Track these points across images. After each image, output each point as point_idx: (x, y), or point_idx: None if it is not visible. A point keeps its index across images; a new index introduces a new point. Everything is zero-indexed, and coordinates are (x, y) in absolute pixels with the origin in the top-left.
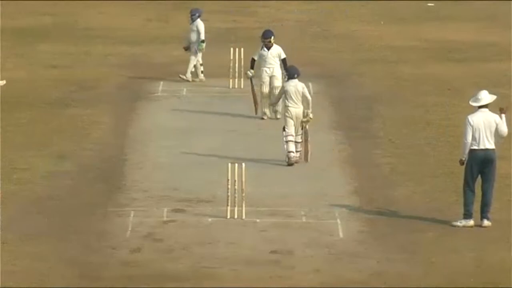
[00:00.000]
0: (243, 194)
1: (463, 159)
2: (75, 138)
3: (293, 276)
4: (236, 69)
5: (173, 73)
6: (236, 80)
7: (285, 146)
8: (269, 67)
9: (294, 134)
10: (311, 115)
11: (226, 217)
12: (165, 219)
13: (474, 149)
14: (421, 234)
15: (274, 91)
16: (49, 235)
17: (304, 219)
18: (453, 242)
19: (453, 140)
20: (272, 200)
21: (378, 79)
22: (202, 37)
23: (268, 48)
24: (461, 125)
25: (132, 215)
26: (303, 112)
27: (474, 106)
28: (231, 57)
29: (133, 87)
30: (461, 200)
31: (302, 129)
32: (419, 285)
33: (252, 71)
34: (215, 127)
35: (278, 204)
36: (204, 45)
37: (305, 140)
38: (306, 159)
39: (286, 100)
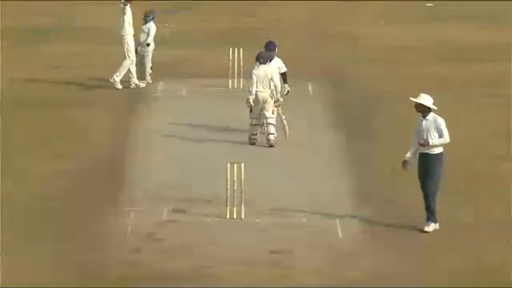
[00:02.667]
0: (243, 194)
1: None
2: (75, 138)
3: (293, 276)
4: (236, 70)
5: (173, 73)
6: (236, 80)
7: (250, 128)
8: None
9: (258, 117)
10: (281, 99)
11: (226, 217)
12: (165, 219)
13: (442, 153)
14: (421, 234)
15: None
16: (49, 235)
17: (304, 219)
18: (453, 242)
19: (453, 140)
20: (272, 200)
21: (378, 79)
22: (149, 40)
23: (270, 60)
24: (461, 126)
25: (132, 215)
26: (273, 97)
27: (433, 109)
28: (230, 58)
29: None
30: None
31: (273, 113)
32: (419, 285)
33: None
34: (215, 127)
35: (278, 204)
36: (148, 48)
37: (281, 121)
38: (285, 136)
39: (255, 85)
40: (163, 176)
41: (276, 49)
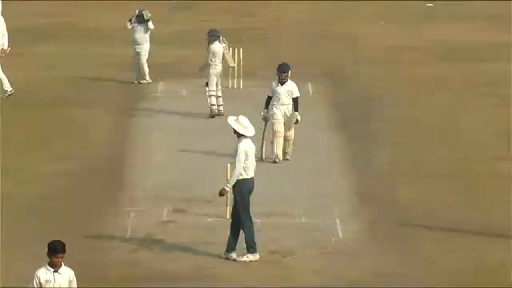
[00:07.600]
0: None
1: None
2: (75, 138)
3: (293, 276)
4: (235, 70)
5: (173, 73)
6: (235, 80)
7: (208, 99)
8: (283, 105)
9: (215, 89)
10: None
11: (226, 217)
12: (165, 219)
13: (246, 179)
14: (421, 234)
15: (288, 133)
16: (49, 235)
17: (303, 219)
18: (453, 242)
19: (453, 140)
20: (272, 200)
21: (378, 79)
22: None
23: (282, 84)
24: (462, 125)
25: (132, 215)
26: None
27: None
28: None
29: (133, 87)
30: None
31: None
32: (419, 285)
33: (266, 111)
34: (215, 127)
35: (278, 204)
36: (147, 48)
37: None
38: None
39: (211, 60)
40: (163, 176)
41: (290, 72)
